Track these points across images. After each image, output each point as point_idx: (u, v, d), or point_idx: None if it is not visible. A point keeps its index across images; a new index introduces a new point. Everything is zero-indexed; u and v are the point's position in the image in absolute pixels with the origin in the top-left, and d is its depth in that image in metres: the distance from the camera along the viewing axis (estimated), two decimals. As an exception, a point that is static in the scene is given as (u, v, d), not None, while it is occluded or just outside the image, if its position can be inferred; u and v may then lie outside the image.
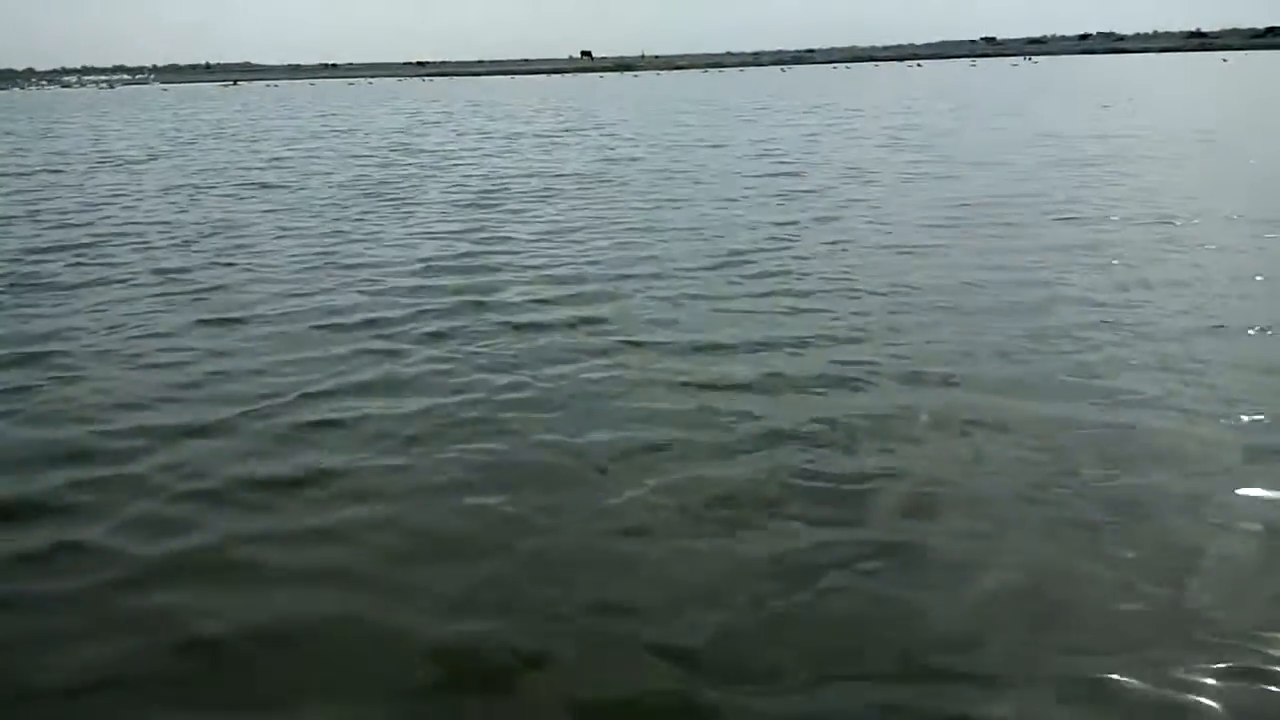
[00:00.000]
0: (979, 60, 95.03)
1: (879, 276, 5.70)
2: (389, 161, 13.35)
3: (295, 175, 11.85)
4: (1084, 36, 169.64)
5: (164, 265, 6.48)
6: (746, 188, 9.55)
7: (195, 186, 10.96)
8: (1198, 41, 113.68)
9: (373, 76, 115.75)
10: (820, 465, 3.17)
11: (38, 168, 13.78)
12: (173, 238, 7.56)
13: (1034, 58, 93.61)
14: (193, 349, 4.55)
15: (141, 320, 5.12)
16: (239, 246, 7.14)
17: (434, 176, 11.33)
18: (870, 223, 7.40)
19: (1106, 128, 14.98)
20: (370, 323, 4.94)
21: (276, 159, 14.17)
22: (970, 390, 3.82)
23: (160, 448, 3.41)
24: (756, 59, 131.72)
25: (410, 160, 13.39)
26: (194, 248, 7.12)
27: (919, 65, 79.95)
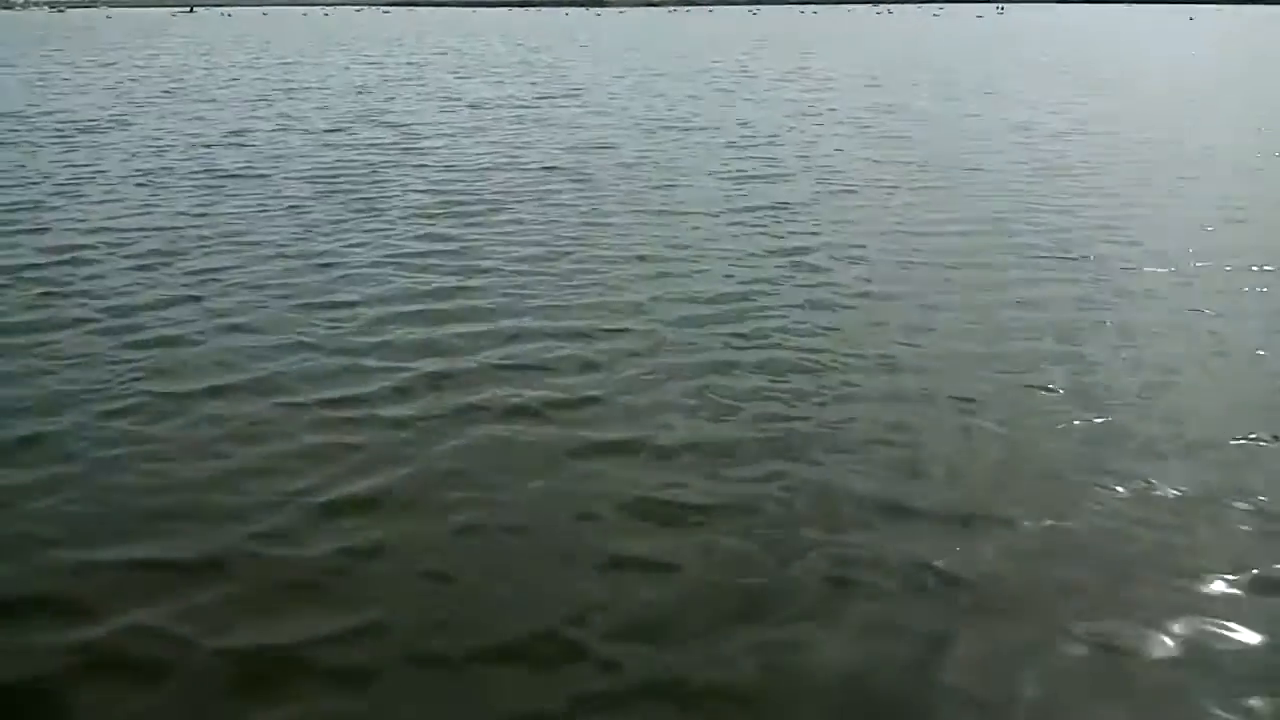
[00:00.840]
0: (947, 5, 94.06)
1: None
2: (356, 142, 13.12)
3: (261, 159, 11.63)
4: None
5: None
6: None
7: (154, 180, 10.65)
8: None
9: (332, 2, 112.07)
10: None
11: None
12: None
13: (1003, 6, 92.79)
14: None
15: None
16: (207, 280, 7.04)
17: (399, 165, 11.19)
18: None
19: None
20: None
21: (238, 134, 13.83)
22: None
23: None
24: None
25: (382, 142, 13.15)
26: (147, 276, 7.00)
27: (889, 11, 79.10)
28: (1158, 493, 3.86)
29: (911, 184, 9.95)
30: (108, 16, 71.73)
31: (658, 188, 9.85)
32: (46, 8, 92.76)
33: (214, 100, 17.64)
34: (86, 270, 6.93)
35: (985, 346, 5.43)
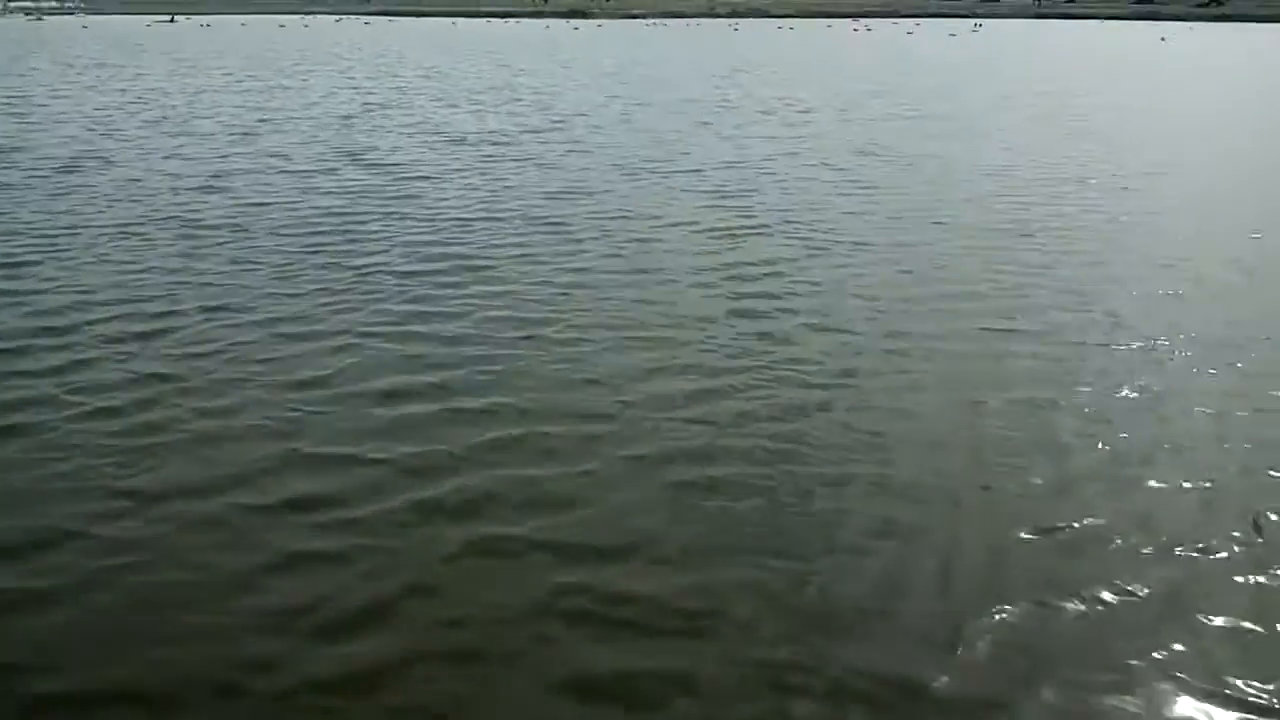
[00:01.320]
0: (924, 21, 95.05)
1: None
2: (347, 187, 13.19)
3: (243, 206, 11.68)
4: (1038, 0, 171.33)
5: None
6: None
7: (132, 232, 10.69)
8: (1146, 9, 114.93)
9: (318, 10, 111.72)
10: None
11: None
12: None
13: (980, 22, 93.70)
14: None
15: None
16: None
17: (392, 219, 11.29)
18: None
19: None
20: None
21: (218, 175, 13.86)
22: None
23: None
24: (712, 7, 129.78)
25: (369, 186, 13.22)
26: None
27: (868, 28, 79.77)
28: (1133, 599, 4.05)
29: (883, 240, 10.13)
30: (84, 26, 71.04)
31: (636, 241, 9.99)
32: (23, 15, 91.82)
33: (195, 134, 17.62)
34: (58, 341, 6.95)
35: (964, 432, 5.64)
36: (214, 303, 7.86)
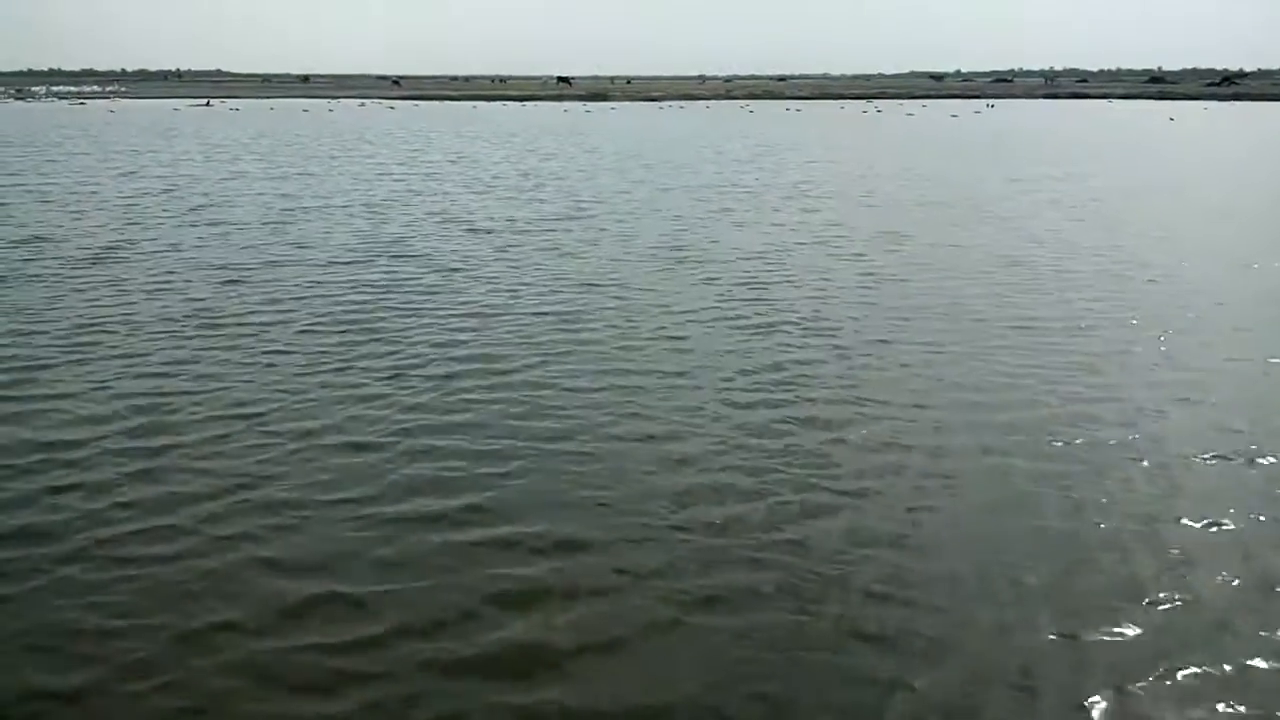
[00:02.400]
0: (930, 102, 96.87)
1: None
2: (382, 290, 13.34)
3: (278, 301, 11.84)
4: (1050, 78, 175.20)
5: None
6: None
7: (159, 329, 10.81)
8: (1156, 89, 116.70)
9: (344, 94, 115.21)
10: None
11: None
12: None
13: (991, 102, 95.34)
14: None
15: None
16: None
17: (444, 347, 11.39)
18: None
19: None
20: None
21: (268, 265, 14.07)
22: None
23: None
24: (728, 90, 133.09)
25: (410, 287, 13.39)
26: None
27: (878, 110, 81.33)
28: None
29: (909, 338, 10.08)
30: (111, 110, 73.41)
31: (662, 339, 9.98)
32: (67, 101, 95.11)
33: (225, 223, 17.96)
34: (73, 456, 6.89)
35: (980, 549, 5.53)
36: (236, 410, 7.81)
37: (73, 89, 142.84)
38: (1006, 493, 6.36)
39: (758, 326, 10.56)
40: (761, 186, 24.51)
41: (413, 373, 8.87)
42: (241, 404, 7.98)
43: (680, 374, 8.86)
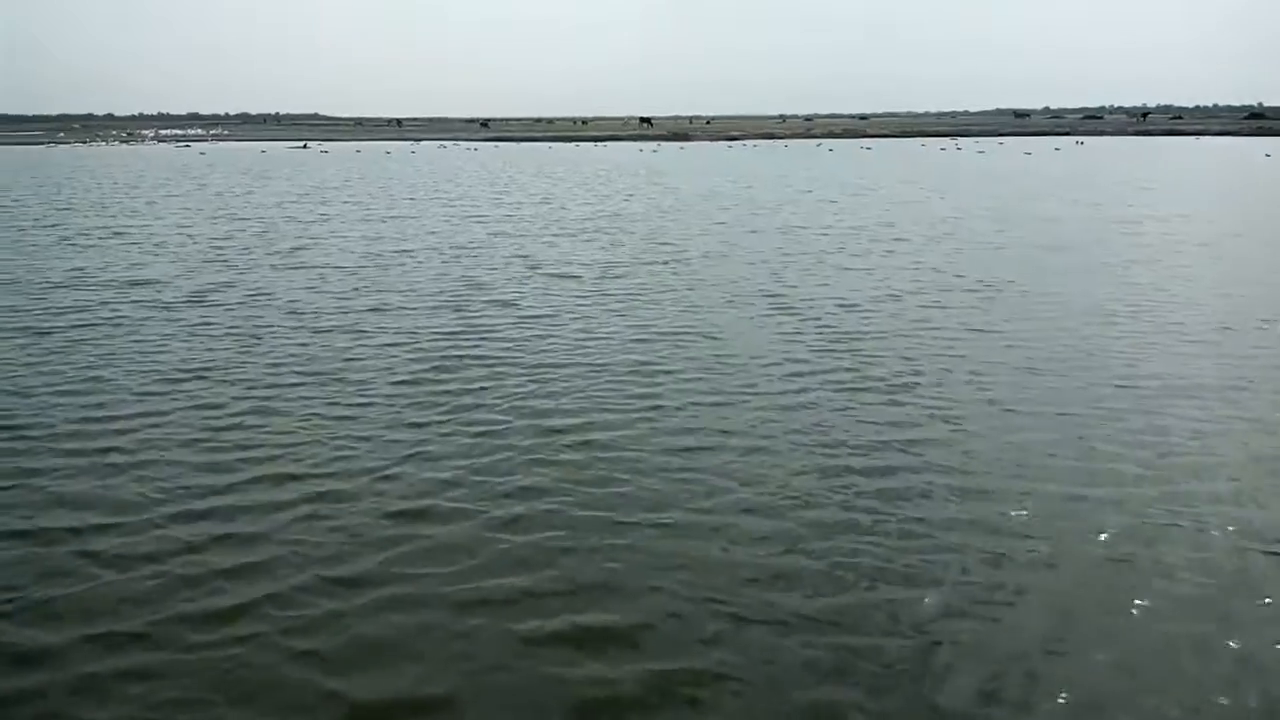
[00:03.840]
0: (1009, 139, 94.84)
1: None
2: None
3: (360, 351, 11.86)
4: (1144, 114, 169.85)
5: None
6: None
7: (239, 382, 10.91)
8: (1255, 125, 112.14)
9: (434, 136, 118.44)
10: None
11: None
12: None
13: (1081, 139, 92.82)
14: None
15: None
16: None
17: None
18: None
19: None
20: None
21: (333, 325, 14.18)
22: None
23: None
24: (808, 129, 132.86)
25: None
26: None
27: (958, 148, 79.89)
28: None
29: (1017, 397, 9.47)
30: (201, 153, 76.71)
31: (754, 396, 9.58)
32: (174, 144, 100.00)
33: (313, 267, 18.30)
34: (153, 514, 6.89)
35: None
36: (321, 478, 7.62)
37: (179, 132, 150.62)
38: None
39: (855, 385, 10.05)
40: (846, 228, 24.02)
41: (502, 428, 8.65)
42: (326, 466, 7.87)
43: (772, 438, 8.45)
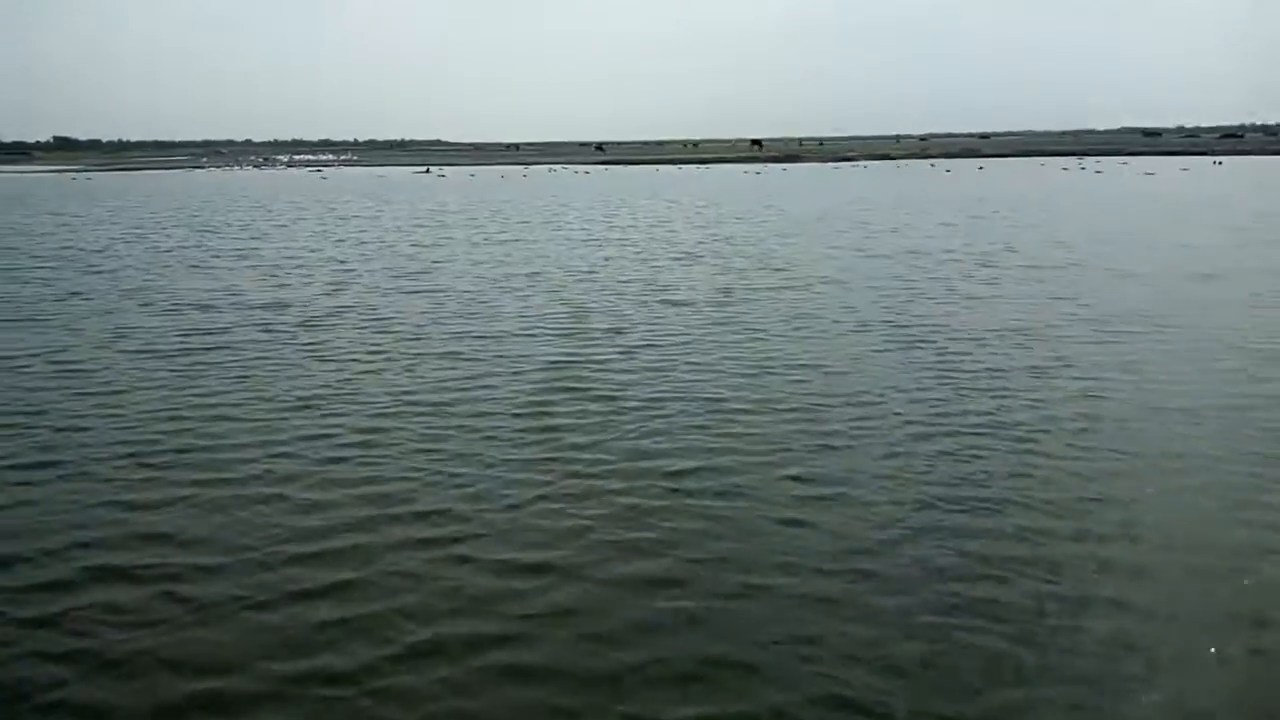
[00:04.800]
0: (1133, 159, 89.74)
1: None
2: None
3: (471, 385, 11.68)
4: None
5: None
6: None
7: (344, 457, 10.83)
8: None
9: (549, 160, 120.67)
10: None
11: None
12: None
13: (1220, 158, 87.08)
14: None
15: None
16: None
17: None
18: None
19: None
20: None
21: (446, 351, 14.09)
22: None
23: None
24: (924, 149, 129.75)
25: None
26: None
27: (1082, 167, 76.30)
28: None
29: (1204, 453, 8.47)
30: (324, 178, 79.96)
31: (881, 442, 8.86)
32: (307, 169, 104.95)
33: (429, 291, 18.46)
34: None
35: None
36: (437, 521, 7.34)
37: (310, 157, 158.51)
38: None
39: (1009, 433, 9.12)
40: (968, 252, 22.81)
41: (619, 478, 8.16)
42: (394, 494, 7.60)
43: (921, 505, 7.72)
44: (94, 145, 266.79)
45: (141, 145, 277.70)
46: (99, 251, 26.08)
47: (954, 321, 14.49)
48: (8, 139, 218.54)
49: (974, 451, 8.54)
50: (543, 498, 7.58)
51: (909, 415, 9.67)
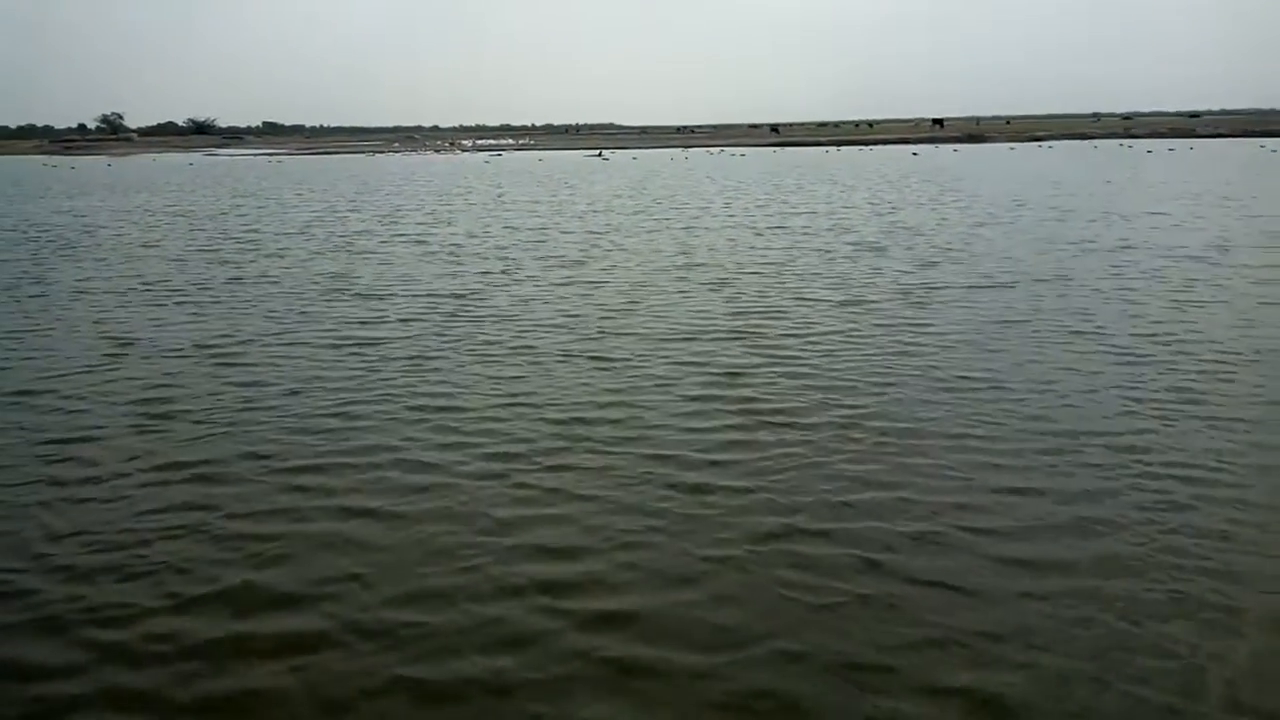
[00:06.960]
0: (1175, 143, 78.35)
1: None
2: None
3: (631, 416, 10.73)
4: None
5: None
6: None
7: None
8: None
9: (719, 143, 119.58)
10: None
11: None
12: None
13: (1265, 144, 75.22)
14: None
15: None
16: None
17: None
18: None
19: None
20: None
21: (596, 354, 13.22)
22: None
23: None
24: (1128, 129, 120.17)
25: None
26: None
27: (1129, 146, 67.83)
28: None
29: None
30: (486, 162, 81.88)
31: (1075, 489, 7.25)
32: (486, 153, 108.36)
33: (601, 285, 17.71)
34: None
35: None
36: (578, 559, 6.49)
37: (491, 141, 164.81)
38: None
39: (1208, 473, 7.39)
40: (1202, 245, 19.90)
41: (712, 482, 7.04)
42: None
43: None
44: (298, 129, 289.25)
45: (338, 131, 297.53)
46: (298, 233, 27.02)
47: (1196, 337, 12.31)
48: (224, 125, 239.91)
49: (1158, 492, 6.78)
50: (698, 518, 6.47)
51: (1126, 458, 7.93)
